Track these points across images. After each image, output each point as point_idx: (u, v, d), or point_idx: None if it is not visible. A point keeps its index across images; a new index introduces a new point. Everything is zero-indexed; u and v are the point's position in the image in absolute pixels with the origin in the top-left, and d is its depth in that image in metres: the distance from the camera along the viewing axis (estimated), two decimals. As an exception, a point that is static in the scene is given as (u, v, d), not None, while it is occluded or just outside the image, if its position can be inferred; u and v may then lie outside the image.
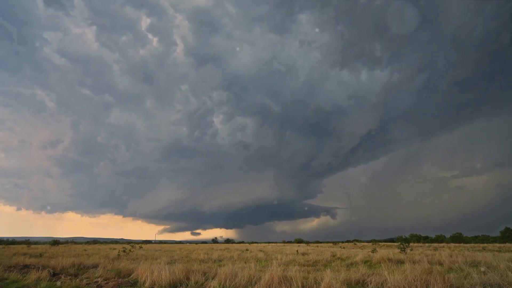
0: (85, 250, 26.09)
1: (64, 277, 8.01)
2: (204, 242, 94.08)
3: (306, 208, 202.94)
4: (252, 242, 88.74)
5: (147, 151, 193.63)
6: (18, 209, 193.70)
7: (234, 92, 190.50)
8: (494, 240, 56.46)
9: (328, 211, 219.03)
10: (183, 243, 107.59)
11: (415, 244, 40.50)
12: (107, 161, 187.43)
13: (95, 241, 78.01)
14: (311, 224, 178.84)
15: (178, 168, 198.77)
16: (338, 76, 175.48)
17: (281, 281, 6.18)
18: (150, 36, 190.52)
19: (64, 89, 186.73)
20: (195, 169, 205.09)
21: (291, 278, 6.27)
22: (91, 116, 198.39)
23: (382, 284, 6.12)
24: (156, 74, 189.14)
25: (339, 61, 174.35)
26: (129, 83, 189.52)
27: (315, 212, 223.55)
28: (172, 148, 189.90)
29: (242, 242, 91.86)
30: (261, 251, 23.35)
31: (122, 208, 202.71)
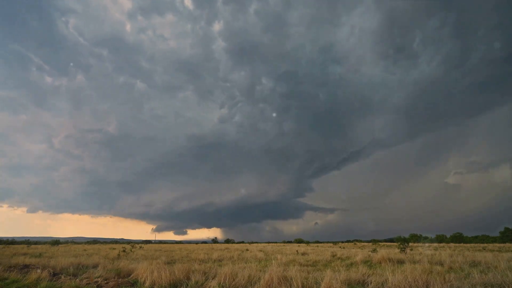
0: (85, 250, 26.09)
1: (64, 277, 8.00)
2: (204, 242, 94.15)
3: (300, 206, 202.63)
4: (252, 242, 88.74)
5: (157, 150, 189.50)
6: (31, 210, 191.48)
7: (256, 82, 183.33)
8: (494, 240, 56.52)
9: (327, 211, 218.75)
10: (182, 243, 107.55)
11: (415, 244, 40.46)
12: (116, 160, 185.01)
13: (95, 241, 78.04)
14: (309, 224, 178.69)
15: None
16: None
17: (281, 281, 6.15)
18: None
19: (100, 77, 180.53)
20: (192, 168, 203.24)
21: (291, 278, 6.24)
22: (125, 108, 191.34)
23: (382, 284, 6.10)
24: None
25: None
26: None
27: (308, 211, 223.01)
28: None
29: (242, 242, 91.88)
30: (261, 251, 23.34)
31: (123, 208, 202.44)
